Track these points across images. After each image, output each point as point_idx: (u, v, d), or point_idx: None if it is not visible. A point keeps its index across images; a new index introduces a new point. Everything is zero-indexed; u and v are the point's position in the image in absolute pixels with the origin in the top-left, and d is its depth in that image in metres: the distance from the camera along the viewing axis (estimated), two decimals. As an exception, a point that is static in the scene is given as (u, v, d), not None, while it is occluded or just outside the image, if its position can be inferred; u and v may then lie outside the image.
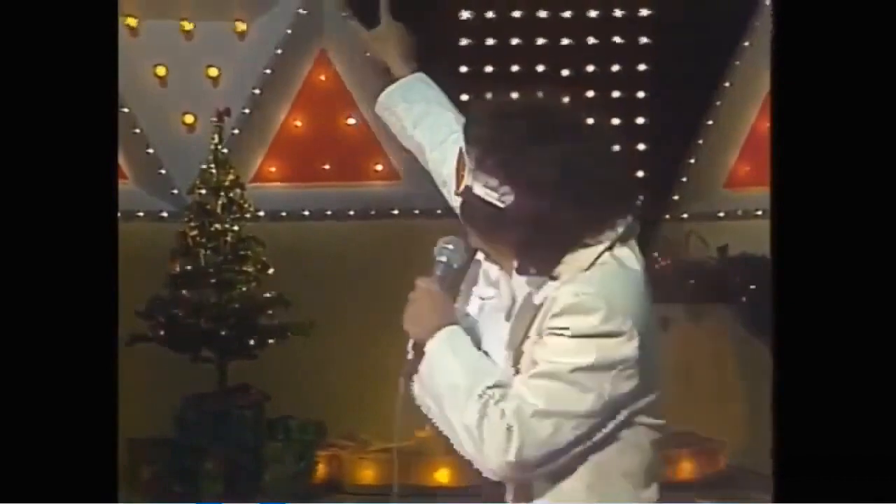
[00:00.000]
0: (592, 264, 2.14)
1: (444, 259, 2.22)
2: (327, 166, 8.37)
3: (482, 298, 2.29)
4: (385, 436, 7.21)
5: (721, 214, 8.51)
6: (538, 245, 2.14)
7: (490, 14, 8.56)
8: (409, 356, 2.17)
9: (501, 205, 2.11)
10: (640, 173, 8.75)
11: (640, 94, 8.68)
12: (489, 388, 2.12)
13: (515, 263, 2.19)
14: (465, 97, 8.64)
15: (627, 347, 2.11)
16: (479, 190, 2.11)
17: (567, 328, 2.10)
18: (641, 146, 8.65)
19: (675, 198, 8.66)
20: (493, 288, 2.28)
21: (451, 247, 2.22)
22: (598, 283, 2.12)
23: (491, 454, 2.10)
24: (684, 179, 8.69)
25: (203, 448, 7.05)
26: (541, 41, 8.59)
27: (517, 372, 2.17)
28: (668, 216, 8.68)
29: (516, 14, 8.57)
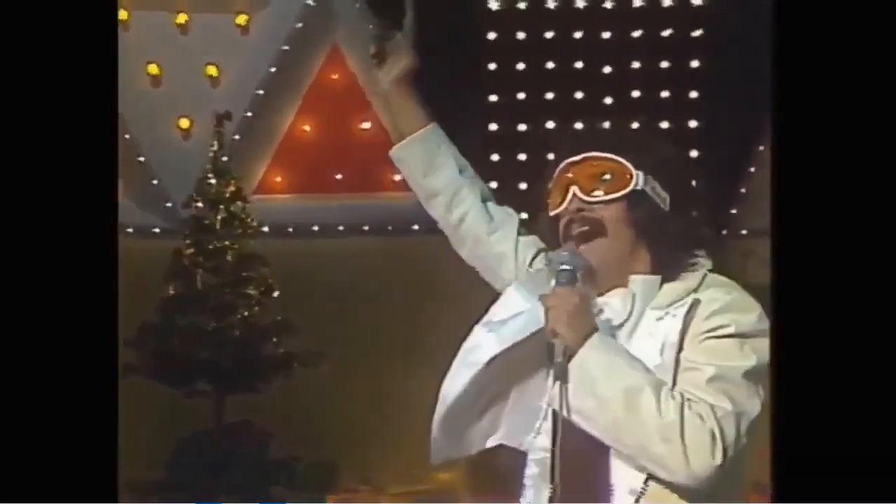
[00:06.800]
0: (701, 283, 2.54)
1: (567, 267, 2.49)
2: (339, 176, 8.43)
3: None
4: (403, 478, 7.29)
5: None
6: (676, 243, 2.56)
7: (521, 4, 8.56)
8: (559, 360, 2.42)
9: (665, 207, 2.57)
10: (693, 182, 8.78)
11: (693, 95, 8.73)
12: (671, 389, 2.41)
13: (648, 263, 2.56)
14: (493, 97, 8.74)
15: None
16: (651, 193, 2.56)
17: (728, 325, 2.45)
18: (694, 153, 8.63)
19: (733, 211, 8.69)
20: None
21: (569, 255, 2.51)
22: (735, 287, 2.53)
23: (696, 457, 2.36)
24: (743, 191, 8.70)
25: (200, 493, 7.01)
26: (578, 34, 8.61)
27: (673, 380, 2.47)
28: (724, 232, 8.70)
29: (550, 4, 8.56)
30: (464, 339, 2.66)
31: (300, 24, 8.33)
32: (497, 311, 2.61)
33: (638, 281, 2.55)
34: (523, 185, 7.60)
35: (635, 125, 2.94)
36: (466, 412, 2.60)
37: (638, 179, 2.56)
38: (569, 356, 2.43)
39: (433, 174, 2.88)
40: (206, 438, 7.26)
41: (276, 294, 7.35)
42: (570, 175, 2.60)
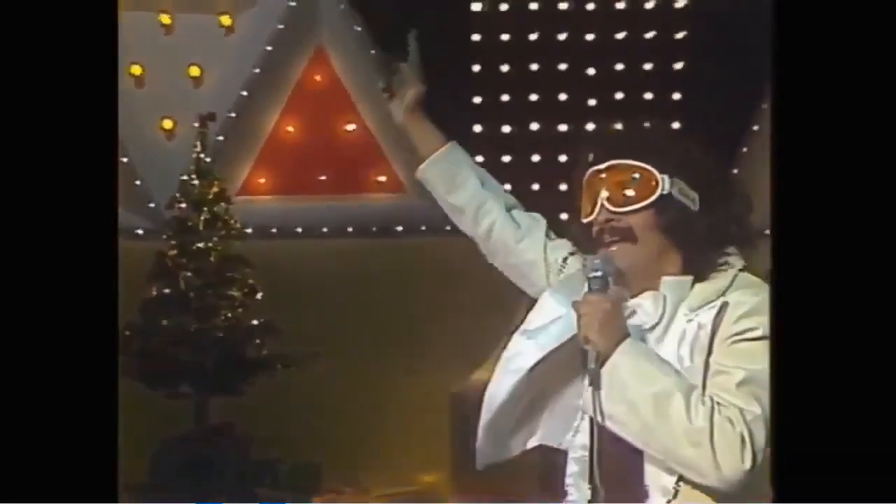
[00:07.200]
0: (731, 284, 2.58)
1: (599, 273, 2.54)
2: (323, 177, 8.42)
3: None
4: (388, 480, 7.27)
5: (768, 232, 8.60)
6: (704, 244, 2.60)
7: (504, 6, 8.55)
8: (592, 366, 2.48)
9: (695, 207, 2.60)
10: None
11: (676, 96, 8.73)
12: (701, 394, 2.46)
13: (679, 264, 2.60)
14: (477, 99, 8.73)
15: None
16: (677, 195, 2.60)
17: (756, 328, 2.50)
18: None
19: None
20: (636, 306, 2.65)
21: (601, 261, 2.57)
22: (764, 288, 2.54)
23: (726, 462, 2.42)
24: (727, 192, 8.78)
25: (183, 494, 7.00)
26: (562, 36, 8.60)
27: (703, 383, 2.52)
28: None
29: (534, 6, 8.56)
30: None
31: (283, 26, 8.30)
32: (533, 319, 2.66)
33: (668, 283, 2.60)
34: (507, 186, 7.58)
35: (652, 126, 2.96)
36: (510, 417, 2.66)
37: (664, 184, 2.61)
38: (601, 362, 2.49)
39: (456, 191, 2.95)
40: (188, 440, 7.24)
41: (259, 295, 7.34)
42: (597, 184, 2.64)
